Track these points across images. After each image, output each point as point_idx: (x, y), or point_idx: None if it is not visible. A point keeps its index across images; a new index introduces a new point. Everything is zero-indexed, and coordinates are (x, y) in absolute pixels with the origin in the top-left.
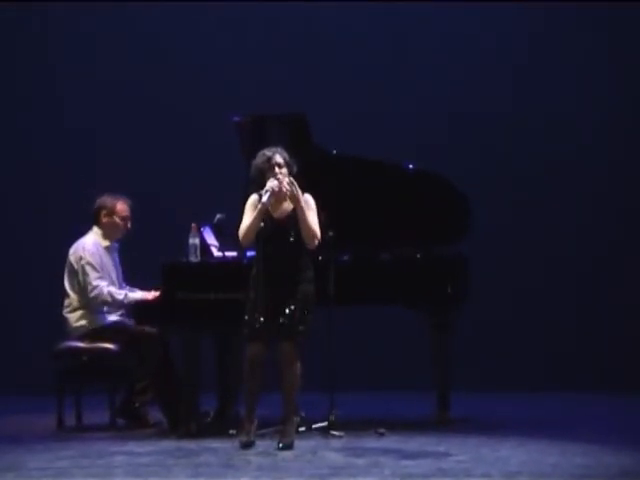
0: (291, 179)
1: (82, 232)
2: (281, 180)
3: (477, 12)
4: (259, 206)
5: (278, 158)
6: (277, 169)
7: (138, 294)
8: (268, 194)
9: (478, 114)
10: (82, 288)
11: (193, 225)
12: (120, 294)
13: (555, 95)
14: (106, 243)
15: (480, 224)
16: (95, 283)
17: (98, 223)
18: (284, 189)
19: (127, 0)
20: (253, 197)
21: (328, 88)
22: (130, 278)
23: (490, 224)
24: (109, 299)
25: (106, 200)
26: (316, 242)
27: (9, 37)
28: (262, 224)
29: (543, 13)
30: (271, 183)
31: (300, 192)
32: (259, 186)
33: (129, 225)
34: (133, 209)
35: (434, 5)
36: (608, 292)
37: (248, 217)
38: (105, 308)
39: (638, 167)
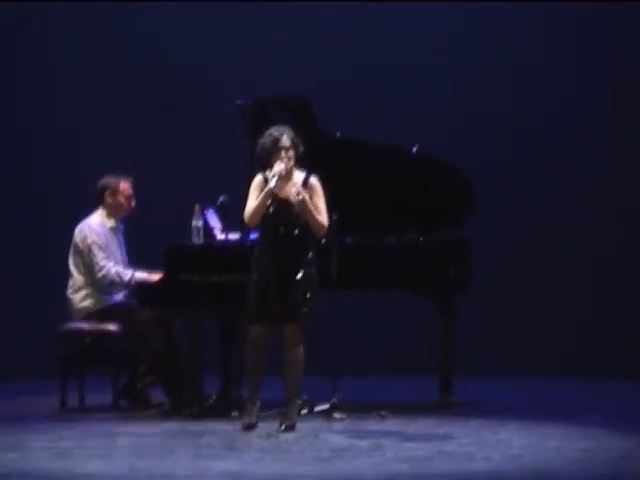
0: (300, 189)
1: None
2: (287, 163)
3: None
4: (266, 190)
5: (285, 141)
6: (283, 153)
7: (144, 274)
8: (275, 178)
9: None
10: (87, 268)
11: (196, 207)
12: (127, 274)
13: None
14: (111, 223)
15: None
16: (102, 263)
17: (102, 204)
18: (292, 200)
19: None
20: (258, 177)
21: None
22: (135, 261)
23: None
24: (117, 279)
25: (109, 180)
26: (324, 231)
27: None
28: (270, 208)
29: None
30: (278, 167)
31: (308, 198)
32: (264, 166)
33: (133, 203)
34: (135, 187)
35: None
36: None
37: (253, 198)
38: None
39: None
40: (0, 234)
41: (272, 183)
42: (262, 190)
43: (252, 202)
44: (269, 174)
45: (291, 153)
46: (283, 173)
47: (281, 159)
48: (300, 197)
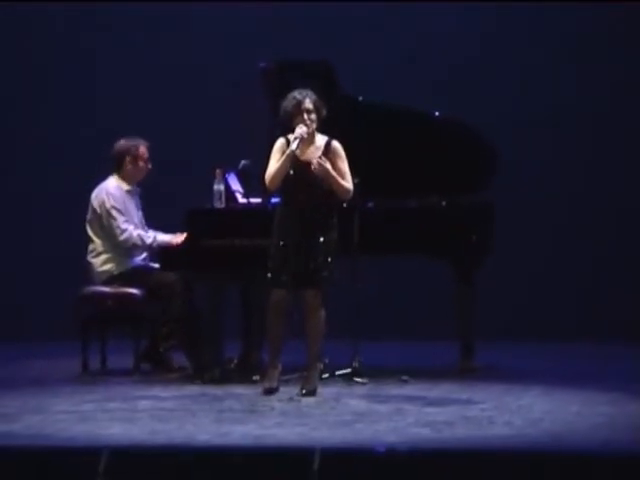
0: (323, 158)
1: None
2: (310, 126)
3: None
4: (287, 152)
5: (308, 104)
6: (306, 115)
7: (166, 237)
8: (297, 141)
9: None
10: (107, 233)
11: (218, 171)
12: (149, 237)
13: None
14: (128, 187)
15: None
16: (124, 226)
17: (120, 169)
18: (313, 168)
19: None
20: (280, 141)
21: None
22: (155, 226)
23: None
24: (139, 242)
25: (128, 146)
26: (350, 195)
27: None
28: (291, 171)
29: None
30: (300, 130)
31: (330, 166)
32: (286, 129)
33: (150, 166)
34: (150, 150)
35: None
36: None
37: (275, 160)
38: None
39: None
40: (19, 197)
41: (293, 145)
42: (284, 153)
43: (273, 165)
44: (291, 137)
45: (313, 116)
46: (305, 136)
47: (303, 122)
48: (320, 167)
